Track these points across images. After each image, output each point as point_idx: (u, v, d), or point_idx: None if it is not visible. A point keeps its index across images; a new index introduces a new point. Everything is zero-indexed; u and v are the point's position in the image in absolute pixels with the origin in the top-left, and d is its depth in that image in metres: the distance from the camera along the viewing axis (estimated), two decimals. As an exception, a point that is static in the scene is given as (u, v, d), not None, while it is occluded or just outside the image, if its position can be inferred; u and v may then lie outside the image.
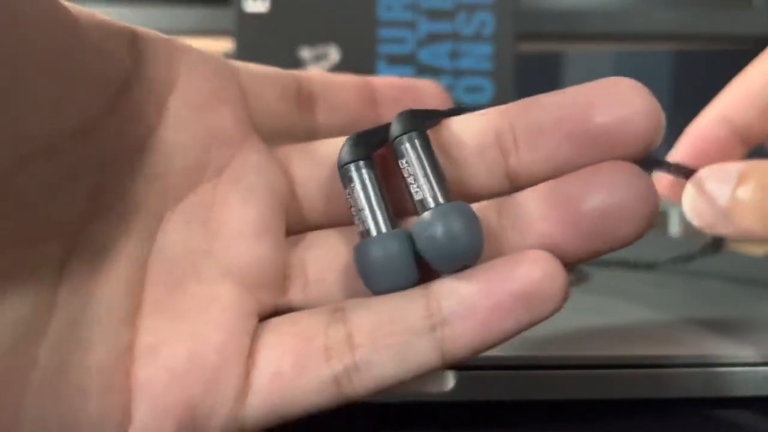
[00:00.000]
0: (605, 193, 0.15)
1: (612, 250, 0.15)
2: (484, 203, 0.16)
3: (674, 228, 0.53)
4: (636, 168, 0.15)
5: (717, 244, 0.27)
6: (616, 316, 0.23)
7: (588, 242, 0.15)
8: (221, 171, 0.17)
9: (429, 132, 0.16)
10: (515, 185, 0.16)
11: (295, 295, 0.17)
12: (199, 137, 0.16)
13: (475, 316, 0.15)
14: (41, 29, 0.13)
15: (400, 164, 0.16)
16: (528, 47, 0.54)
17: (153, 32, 0.16)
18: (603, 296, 0.26)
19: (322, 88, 0.19)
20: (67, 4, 0.14)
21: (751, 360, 0.19)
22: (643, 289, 0.28)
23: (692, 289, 0.28)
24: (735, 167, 0.20)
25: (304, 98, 0.19)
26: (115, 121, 0.15)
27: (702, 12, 0.53)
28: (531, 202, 0.16)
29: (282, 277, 0.17)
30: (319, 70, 0.47)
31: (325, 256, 0.17)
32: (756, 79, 0.23)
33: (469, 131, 0.16)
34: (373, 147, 0.16)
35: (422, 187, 0.15)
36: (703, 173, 0.20)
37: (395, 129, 0.16)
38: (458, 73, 0.48)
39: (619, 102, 0.15)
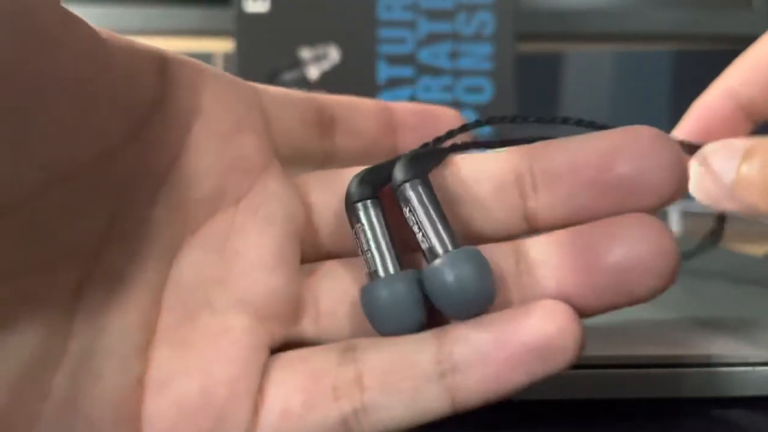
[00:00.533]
0: (626, 248, 0.14)
1: (629, 305, 0.15)
2: (501, 245, 0.16)
3: (674, 228, 0.53)
4: (658, 223, 0.15)
5: (716, 233, 0.27)
6: (616, 316, 0.23)
7: (605, 296, 0.15)
8: (240, 199, 0.16)
9: (441, 171, 0.16)
10: (533, 227, 0.16)
11: (306, 327, 0.16)
12: (220, 166, 0.16)
13: (488, 366, 0.14)
14: (73, 57, 0.13)
15: (404, 212, 0.16)
16: (528, 47, 0.54)
17: (181, 56, 0.16)
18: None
19: (342, 112, 0.19)
20: (96, 28, 0.14)
21: (751, 360, 0.19)
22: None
23: (692, 289, 0.28)
24: (741, 143, 0.19)
25: (324, 123, 0.19)
26: (137, 147, 0.15)
27: (702, 12, 0.53)
28: (549, 249, 0.15)
29: (295, 309, 0.16)
30: (319, 70, 0.48)
31: (338, 289, 0.17)
32: (762, 55, 0.22)
33: (489, 171, 0.16)
34: (381, 183, 0.16)
35: (429, 235, 0.15)
36: (708, 149, 0.20)
37: (397, 176, 0.16)
38: (458, 73, 0.48)
39: (642, 152, 0.15)
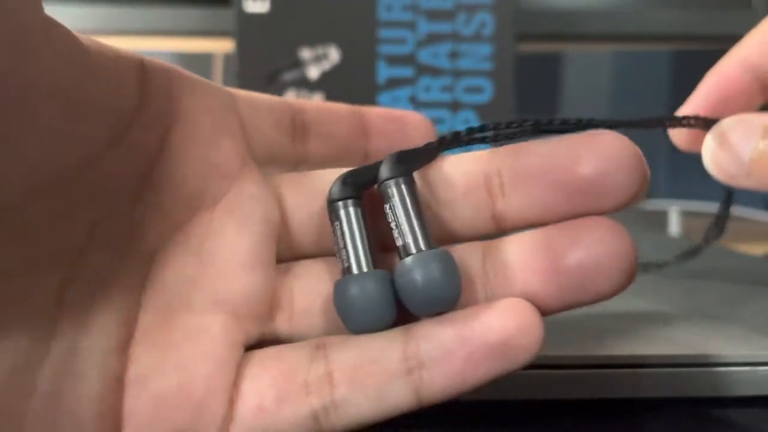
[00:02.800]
0: (586, 250, 0.15)
1: (589, 303, 0.16)
2: (470, 245, 0.17)
3: (674, 228, 0.53)
4: (617, 225, 0.15)
5: (719, 226, 0.27)
6: (616, 315, 0.23)
7: (567, 295, 0.15)
8: (218, 201, 0.17)
9: (419, 171, 0.17)
10: (501, 227, 0.17)
11: (280, 325, 0.17)
12: (199, 169, 0.16)
13: (452, 363, 0.15)
14: (56, 65, 0.13)
15: (384, 208, 0.16)
16: (528, 47, 0.54)
17: (159, 62, 0.17)
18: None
19: (315, 117, 0.20)
20: (77, 35, 0.14)
21: (751, 360, 0.19)
22: (643, 289, 0.28)
23: (692, 289, 0.28)
24: (760, 120, 0.19)
25: (297, 127, 0.19)
26: (119, 152, 0.15)
27: (702, 12, 0.53)
28: (515, 250, 0.16)
29: (270, 308, 0.17)
30: (319, 70, 0.48)
31: (312, 288, 0.17)
32: None
33: (459, 172, 0.17)
34: (364, 185, 0.17)
35: (405, 233, 0.16)
36: (725, 124, 0.20)
37: (382, 173, 0.16)
38: (458, 74, 0.48)
39: (604, 156, 0.15)
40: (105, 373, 0.15)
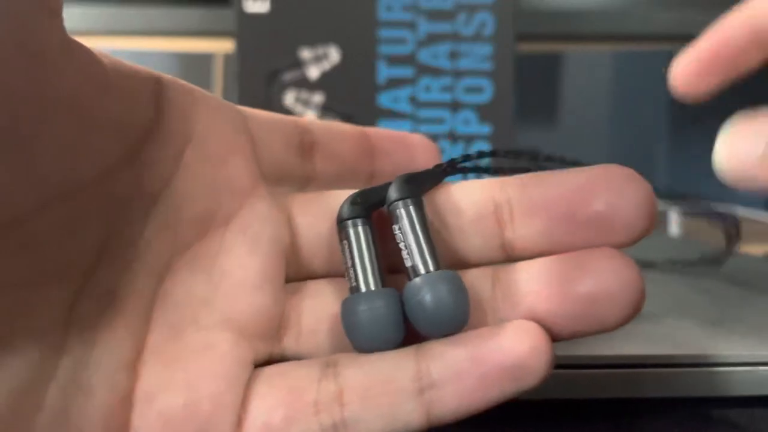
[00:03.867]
0: (596, 279, 0.15)
1: (596, 333, 0.16)
2: (479, 270, 0.17)
3: (674, 230, 0.53)
4: (625, 257, 0.15)
5: (732, 240, 0.27)
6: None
7: (574, 323, 0.15)
8: (229, 220, 0.17)
9: (428, 195, 0.17)
10: (510, 256, 0.17)
11: (288, 345, 0.17)
12: (211, 188, 0.17)
13: (463, 383, 0.15)
14: (73, 81, 0.13)
15: (393, 229, 0.16)
16: (528, 48, 0.54)
17: (175, 80, 0.17)
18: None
19: (322, 137, 0.20)
20: (95, 51, 0.14)
21: (751, 360, 0.19)
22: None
23: (692, 289, 0.28)
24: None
25: (305, 147, 0.19)
26: (132, 169, 0.15)
27: (702, 12, 0.53)
28: (525, 277, 0.16)
29: (278, 327, 0.17)
30: (319, 70, 0.48)
31: (320, 307, 0.17)
32: None
33: (469, 200, 0.17)
34: (373, 205, 0.17)
35: (413, 254, 0.16)
36: (733, 129, 0.20)
37: (391, 194, 0.16)
38: (458, 74, 0.48)
39: (615, 191, 0.15)
40: (113, 390, 0.15)
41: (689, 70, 0.23)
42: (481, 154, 0.18)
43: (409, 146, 0.21)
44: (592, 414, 0.19)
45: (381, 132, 0.21)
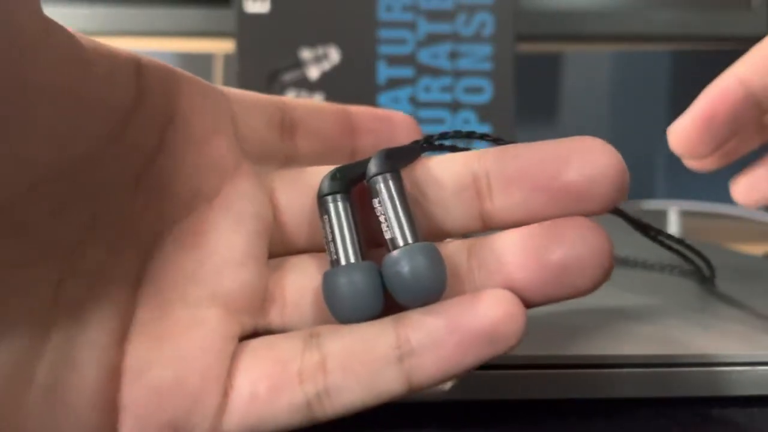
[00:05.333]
0: (568, 247, 0.16)
1: (568, 298, 0.16)
2: (456, 242, 0.17)
3: (673, 228, 0.53)
4: (596, 225, 0.16)
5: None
6: (616, 315, 0.23)
7: (547, 289, 0.16)
8: (213, 198, 0.17)
9: (408, 169, 0.17)
10: (488, 226, 0.17)
11: (273, 318, 0.17)
12: (194, 166, 0.17)
13: (441, 350, 0.16)
14: (54, 64, 0.14)
15: (373, 203, 0.17)
16: (527, 48, 0.54)
17: (156, 61, 0.17)
18: (603, 296, 0.26)
19: (304, 115, 0.20)
20: (75, 34, 0.15)
21: (751, 360, 0.19)
22: (643, 289, 0.29)
23: (692, 289, 0.28)
24: None
25: (287, 125, 0.20)
26: (116, 149, 0.16)
27: (701, 12, 0.53)
28: (500, 247, 0.17)
29: (263, 301, 0.17)
30: (320, 70, 0.48)
31: (303, 281, 0.18)
32: None
33: (448, 172, 0.17)
34: (353, 181, 0.17)
35: (392, 226, 0.16)
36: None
37: (371, 169, 0.17)
38: (458, 74, 0.48)
39: (589, 162, 0.16)
40: (102, 365, 0.15)
41: (687, 133, 0.24)
42: (457, 133, 0.19)
43: (390, 123, 0.22)
44: (590, 414, 0.19)
45: (362, 110, 0.21)
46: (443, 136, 0.19)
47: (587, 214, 0.16)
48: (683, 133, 0.24)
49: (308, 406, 0.16)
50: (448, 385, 0.19)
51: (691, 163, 0.26)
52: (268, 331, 0.17)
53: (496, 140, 0.18)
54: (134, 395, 0.15)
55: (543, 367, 0.19)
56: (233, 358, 0.16)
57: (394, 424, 0.18)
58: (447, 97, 0.48)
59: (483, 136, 0.19)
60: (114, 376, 0.15)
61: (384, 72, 0.48)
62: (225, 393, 0.16)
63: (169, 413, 0.15)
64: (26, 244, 0.14)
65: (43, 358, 0.15)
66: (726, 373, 0.19)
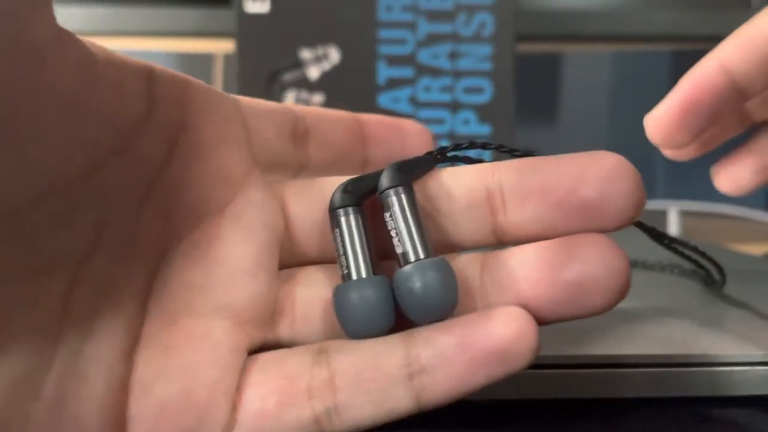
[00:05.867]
0: (583, 266, 0.15)
1: (582, 317, 0.16)
2: (469, 255, 0.17)
3: (673, 228, 0.53)
4: (613, 244, 0.16)
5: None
6: (616, 315, 0.23)
7: (561, 307, 0.16)
8: (223, 208, 0.17)
9: (421, 182, 0.17)
10: (501, 241, 0.17)
11: (283, 331, 0.17)
12: (205, 177, 0.17)
13: (452, 368, 0.15)
14: (65, 73, 0.13)
15: (385, 217, 0.17)
16: (527, 48, 0.54)
17: (167, 70, 0.17)
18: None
19: (316, 124, 0.20)
20: (87, 43, 0.14)
21: (751, 360, 0.19)
22: (643, 289, 0.29)
23: (692, 289, 0.28)
24: None
25: (299, 134, 0.20)
26: (125, 159, 0.15)
27: (701, 12, 0.53)
28: (513, 263, 0.16)
29: (272, 313, 0.17)
30: (320, 70, 0.48)
31: (313, 294, 0.17)
32: (758, 31, 0.23)
33: (461, 186, 0.17)
34: (365, 194, 0.17)
35: (404, 241, 0.16)
36: None
37: (383, 182, 0.17)
38: (458, 74, 0.48)
39: (606, 179, 0.16)
40: (110, 379, 0.15)
41: (665, 122, 0.23)
42: (471, 144, 0.18)
43: (402, 133, 0.21)
44: (591, 414, 0.19)
45: (374, 118, 0.21)
46: (457, 147, 0.18)
47: (603, 231, 0.16)
48: (661, 121, 0.23)
49: (317, 422, 0.15)
50: None
51: (668, 153, 0.25)
52: (277, 344, 0.17)
53: (512, 151, 0.18)
54: (142, 409, 0.15)
55: (543, 367, 0.19)
56: (242, 372, 0.16)
57: (393, 423, 0.18)
58: (447, 98, 0.48)
59: (498, 147, 0.18)
60: (122, 389, 0.15)
61: (384, 72, 0.48)
62: (233, 408, 0.16)
63: (177, 428, 0.15)
64: (33, 254, 0.14)
65: (51, 371, 0.14)
66: (726, 373, 0.19)
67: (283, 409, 0.15)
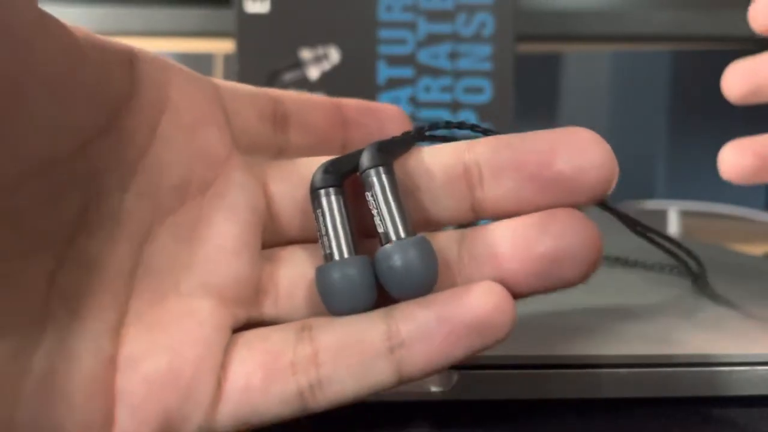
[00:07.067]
0: (556, 239, 0.16)
1: (557, 289, 0.17)
2: (447, 232, 0.18)
3: (673, 228, 0.53)
4: (584, 217, 0.16)
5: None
6: (615, 315, 0.23)
7: (536, 280, 0.16)
8: (206, 188, 0.17)
9: (400, 160, 0.17)
10: (479, 216, 0.18)
11: (267, 309, 0.18)
12: (187, 156, 0.17)
13: (431, 341, 0.16)
14: (48, 55, 0.14)
15: (366, 196, 0.17)
16: (527, 48, 0.54)
17: (149, 52, 0.17)
18: (603, 296, 0.26)
19: (296, 108, 0.20)
20: (69, 26, 0.15)
21: (751, 360, 0.19)
22: (643, 289, 0.29)
23: (692, 289, 0.28)
24: None
25: (279, 118, 0.20)
26: (109, 139, 0.16)
27: (701, 12, 0.53)
28: (491, 238, 0.17)
29: (256, 292, 0.18)
30: (320, 70, 0.48)
31: (296, 272, 0.18)
32: None
33: (439, 163, 0.18)
34: (345, 174, 0.17)
35: (385, 220, 0.17)
36: None
37: (363, 162, 0.17)
38: (458, 74, 0.48)
39: (579, 153, 0.16)
40: (98, 355, 0.15)
41: (740, 170, 0.26)
42: (448, 124, 0.19)
43: (381, 116, 0.22)
44: (591, 414, 0.19)
45: (353, 102, 0.22)
46: (434, 126, 0.19)
47: (576, 205, 0.16)
48: (737, 167, 0.26)
49: (301, 396, 0.16)
50: (450, 383, 0.19)
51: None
52: (261, 322, 0.18)
53: (486, 131, 0.19)
54: (129, 385, 0.16)
55: (542, 367, 0.19)
56: (227, 349, 0.16)
57: (394, 423, 0.18)
58: (447, 97, 0.48)
59: (473, 127, 0.19)
60: (110, 366, 0.16)
61: (384, 72, 0.48)
62: (219, 384, 0.16)
63: (163, 403, 0.16)
64: (19, 234, 0.14)
65: (39, 349, 0.15)
66: (726, 373, 0.19)
67: (267, 384, 0.16)
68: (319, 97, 0.21)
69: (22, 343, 0.15)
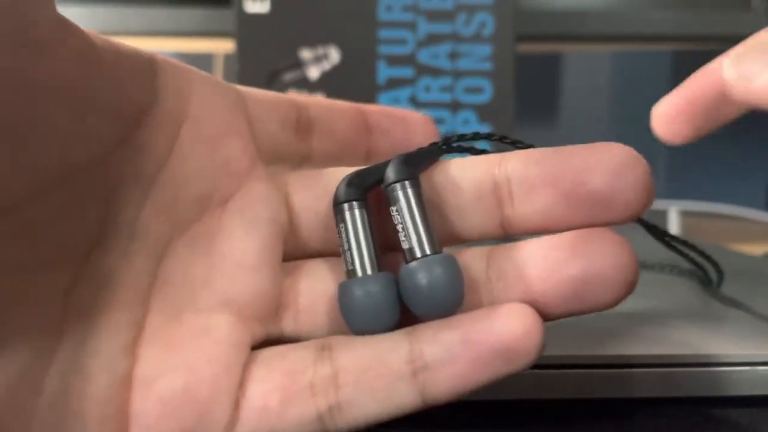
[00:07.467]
0: (589, 261, 0.15)
1: (588, 312, 0.16)
2: (475, 249, 0.17)
3: (673, 228, 0.53)
4: (620, 239, 0.15)
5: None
6: (616, 316, 0.23)
7: (566, 304, 0.16)
8: (227, 201, 0.17)
9: (427, 173, 0.17)
10: (508, 233, 0.17)
11: (286, 325, 0.17)
12: (208, 168, 0.16)
13: (456, 365, 0.15)
14: (67, 64, 0.13)
15: (391, 211, 0.16)
16: (527, 48, 0.54)
17: (171, 60, 0.17)
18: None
19: (319, 114, 0.20)
20: (90, 33, 0.14)
21: (751, 360, 0.19)
22: (643, 289, 0.28)
23: (692, 289, 0.28)
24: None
25: (302, 125, 0.19)
26: (127, 151, 0.15)
27: (701, 12, 0.53)
28: (519, 258, 0.16)
29: (275, 308, 0.17)
30: (320, 70, 0.48)
31: (317, 287, 0.17)
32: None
33: (468, 177, 0.17)
34: (369, 186, 0.17)
35: (410, 236, 0.16)
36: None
37: (389, 176, 0.16)
38: (458, 74, 0.48)
39: (615, 171, 0.15)
40: (112, 374, 0.15)
41: (666, 117, 0.24)
42: (476, 135, 0.18)
43: (406, 123, 0.21)
44: (591, 414, 0.19)
45: (378, 109, 0.21)
46: (461, 138, 0.18)
47: (612, 224, 0.16)
48: (667, 116, 0.24)
49: (319, 419, 0.15)
50: None
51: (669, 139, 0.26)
52: (280, 338, 0.17)
53: (515, 143, 0.18)
54: (143, 405, 0.15)
55: (543, 367, 0.19)
56: (245, 368, 0.16)
57: (393, 423, 0.18)
58: (447, 97, 0.48)
59: (502, 139, 0.18)
60: (125, 385, 0.15)
61: (384, 72, 0.48)
62: (236, 404, 0.15)
63: (179, 424, 0.15)
64: (35, 248, 0.14)
65: (53, 366, 0.14)
66: (726, 373, 0.19)
67: (285, 406, 0.15)
68: (343, 103, 0.21)
69: (35, 361, 0.14)
